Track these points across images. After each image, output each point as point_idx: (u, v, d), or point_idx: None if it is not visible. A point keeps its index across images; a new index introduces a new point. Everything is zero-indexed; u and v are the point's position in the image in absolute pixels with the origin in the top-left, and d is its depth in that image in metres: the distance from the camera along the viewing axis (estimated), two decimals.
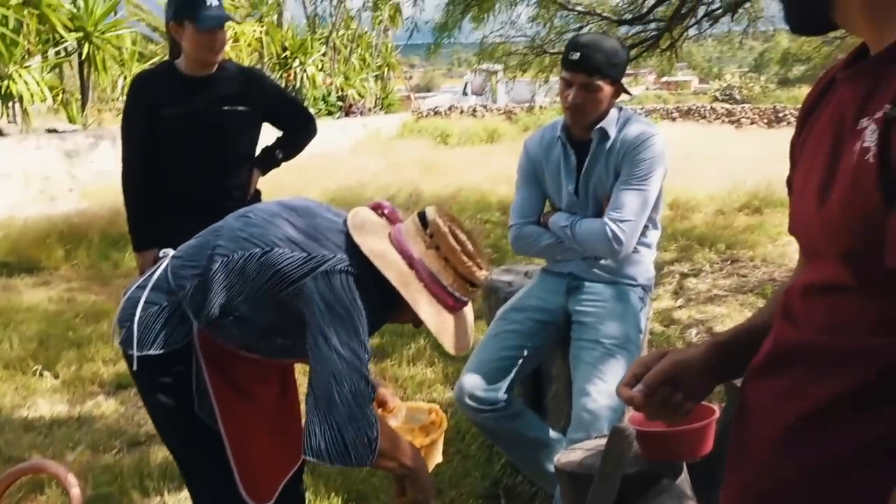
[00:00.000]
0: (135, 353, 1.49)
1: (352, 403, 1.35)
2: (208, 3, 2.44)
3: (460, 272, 1.42)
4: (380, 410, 1.78)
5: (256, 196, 2.80)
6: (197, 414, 1.52)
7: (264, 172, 2.81)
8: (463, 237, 1.44)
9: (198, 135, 2.54)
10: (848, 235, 0.71)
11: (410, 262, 1.41)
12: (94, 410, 3.25)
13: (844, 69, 0.78)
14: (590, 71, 2.03)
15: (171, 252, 1.60)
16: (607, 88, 2.06)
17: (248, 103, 2.61)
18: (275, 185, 6.99)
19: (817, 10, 0.76)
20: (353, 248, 1.42)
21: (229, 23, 2.60)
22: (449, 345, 1.44)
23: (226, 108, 2.57)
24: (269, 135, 2.82)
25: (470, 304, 1.55)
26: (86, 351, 3.89)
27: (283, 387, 1.73)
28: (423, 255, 1.41)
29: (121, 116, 2.73)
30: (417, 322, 1.48)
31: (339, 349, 1.35)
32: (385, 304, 1.46)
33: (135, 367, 1.51)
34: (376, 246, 1.43)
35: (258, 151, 2.79)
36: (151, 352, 1.49)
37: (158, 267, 1.58)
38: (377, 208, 1.57)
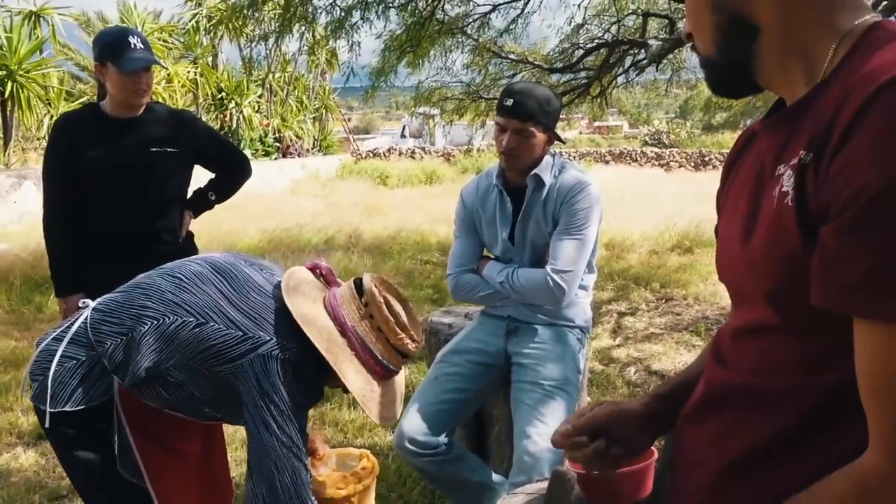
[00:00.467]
0: (48, 408, 1.41)
1: (292, 492, 1.36)
2: (133, 45, 2.40)
3: (392, 343, 1.44)
4: (310, 459, 1.75)
5: (189, 238, 2.73)
6: (119, 472, 1.46)
7: (196, 215, 2.74)
8: (397, 308, 1.46)
9: (124, 176, 2.48)
10: (771, 276, 0.73)
11: (343, 329, 1.42)
12: (11, 463, 3.05)
13: (762, 121, 0.82)
14: (523, 117, 2.07)
15: (90, 303, 1.53)
16: (540, 135, 2.10)
17: (177, 145, 2.55)
18: (211, 226, 6.88)
19: (741, 78, 0.81)
20: (289, 328, 1.41)
21: (157, 65, 2.55)
22: (374, 414, 1.44)
23: (154, 149, 2.51)
24: (202, 176, 2.77)
25: (402, 372, 1.56)
26: (3, 400, 3.67)
27: (207, 439, 1.68)
28: (357, 323, 1.43)
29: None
30: (345, 388, 1.48)
31: (278, 436, 1.35)
32: (320, 374, 1.46)
33: (47, 424, 1.42)
34: (308, 311, 1.42)
35: (190, 193, 2.72)
36: (67, 408, 1.42)
37: (76, 319, 1.50)
38: (314, 269, 1.57)
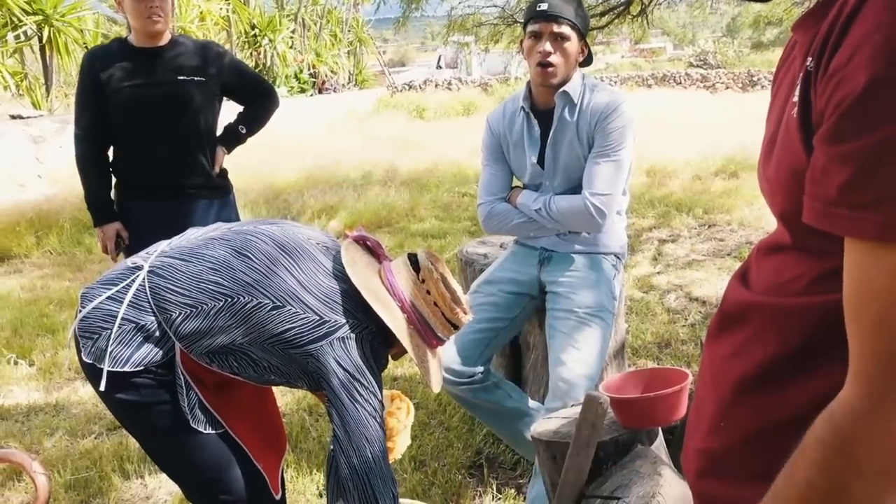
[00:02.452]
0: (105, 367, 1.43)
1: (381, 461, 1.44)
2: None
3: (448, 317, 1.51)
4: None
5: (223, 175, 2.75)
6: (187, 420, 1.50)
7: (229, 150, 2.76)
8: (453, 285, 1.52)
9: (153, 106, 2.51)
10: (783, 195, 0.70)
11: (402, 305, 1.49)
12: (70, 396, 3.22)
13: (796, 21, 0.77)
14: (559, 20, 2.01)
15: (140, 263, 1.52)
16: (575, 40, 2.06)
17: (204, 75, 2.57)
18: (249, 164, 6.92)
19: None
20: (359, 309, 1.48)
21: None
22: (435, 383, 1.54)
23: (181, 77, 2.54)
24: (231, 114, 2.77)
25: None
26: (61, 337, 3.85)
27: (259, 390, 1.73)
28: (415, 299, 1.49)
29: None
30: (397, 357, 1.61)
31: (367, 409, 1.44)
32: (387, 346, 1.55)
33: (103, 387, 1.44)
34: (376, 292, 1.49)
35: (220, 130, 2.74)
36: (127, 369, 1.44)
37: (132, 280, 1.49)
38: (361, 240, 1.60)
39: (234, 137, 2.76)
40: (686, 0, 8.26)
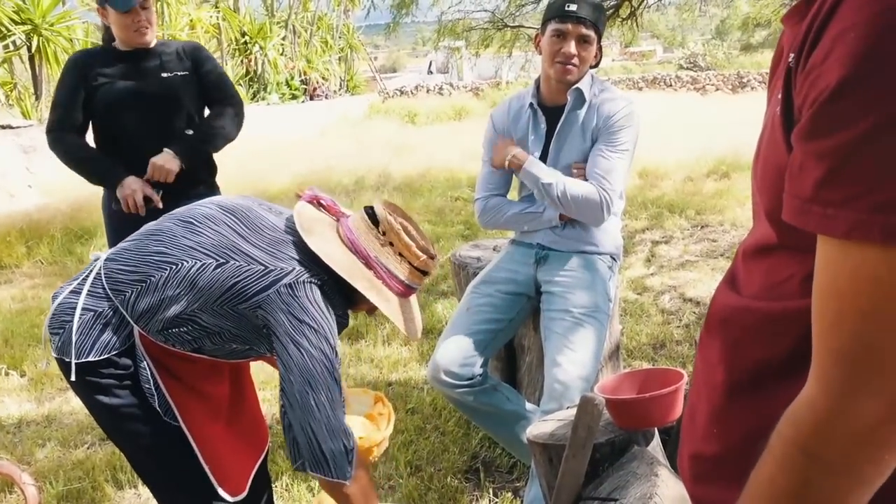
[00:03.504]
0: (73, 360, 1.42)
1: (329, 412, 1.36)
2: None
3: (416, 266, 1.47)
4: None
5: (211, 173, 2.75)
6: (156, 410, 1.48)
7: (182, 160, 2.57)
8: (414, 232, 1.48)
9: (138, 103, 2.54)
10: (769, 193, 0.69)
11: (367, 261, 1.45)
12: (62, 407, 3.19)
13: (784, 15, 0.76)
14: (587, 23, 2.04)
15: (101, 255, 1.53)
16: (596, 44, 2.09)
17: (187, 70, 2.62)
18: (240, 171, 6.91)
19: None
20: (308, 257, 1.43)
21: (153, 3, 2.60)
22: (413, 332, 1.50)
23: (164, 75, 2.57)
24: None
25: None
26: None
27: (235, 382, 1.69)
28: (379, 253, 1.45)
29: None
30: (371, 311, 1.55)
31: (312, 354, 1.36)
32: (345, 302, 1.50)
33: (73, 377, 1.43)
34: (332, 250, 1.44)
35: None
36: (91, 358, 1.43)
37: (90, 271, 1.51)
38: (314, 200, 1.56)
39: (184, 140, 2.59)
40: (675, 3, 8.30)
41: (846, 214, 0.56)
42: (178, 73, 2.58)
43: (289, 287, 1.38)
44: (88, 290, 1.46)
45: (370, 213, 1.49)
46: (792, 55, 0.64)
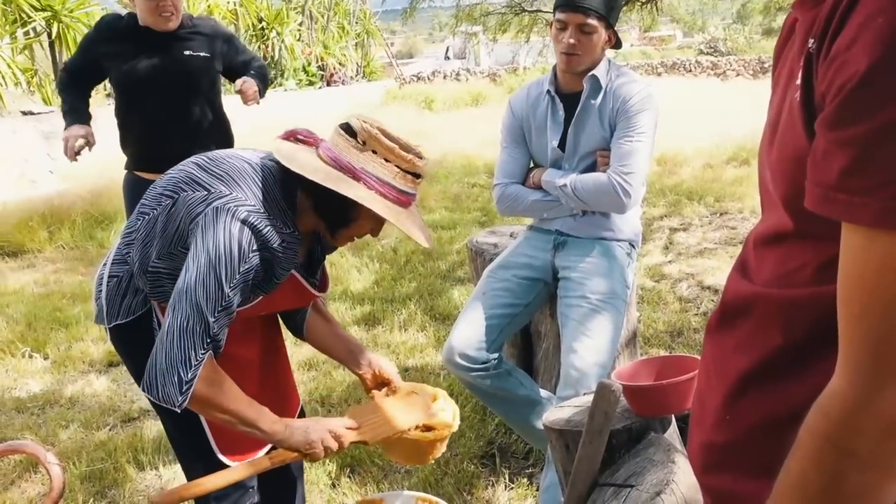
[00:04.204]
0: (105, 325, 1.53)
1: (175, 338, 1.29)
2: None
3: (404, 168, 1.41)
4: (384, 389, 1.73)
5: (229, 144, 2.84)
6: None
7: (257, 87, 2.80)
8: (394, 134, 1.42)
9: (163, 81, 2.60)
10: (785, 180, 0.68)
11: (354, 174, 1.39)
12: (85, 389, 3.24)
13: (795, 3, 0.75)
14: (586, 11, 2.01)
15: None
16: (602, 32, 2.05)
17: (206, 50, 2.68)
18: None
19: None
20: (258, 190, 1.38)
21: None
22: (423, 238, 1.44)
23: (187, 53, 2.64)
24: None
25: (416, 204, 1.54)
26: (74, 331, 3.88)
27: (266, 346, 1.71)
28: (363, 162, 1.39)
29: (97, 95, 2.76)
30: (376, 230, 1.50)
31: (191, 286, 1.30)
32: (331, 226, 1.47)
33: (108, 340, 1.57)
34: (317, 167, 1.39)
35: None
36: (119, 321, 1.52)
37: (117, 241, 1.59)
38: (291, 136, 1.50)
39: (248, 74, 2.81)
40: None
41: (874, 202, 0.55)
42: (201, 54, 2.64)
43: (215, 211, 1.33)
44: (113, 259, 1.55)
45: (346, 127, 1.44)
46: (812, 41, 0.63)
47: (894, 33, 0.54)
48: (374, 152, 1.39)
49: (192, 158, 1.50)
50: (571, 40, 2.03)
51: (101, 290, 1.55)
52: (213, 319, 1.31)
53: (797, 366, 0.70)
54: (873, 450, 0.58)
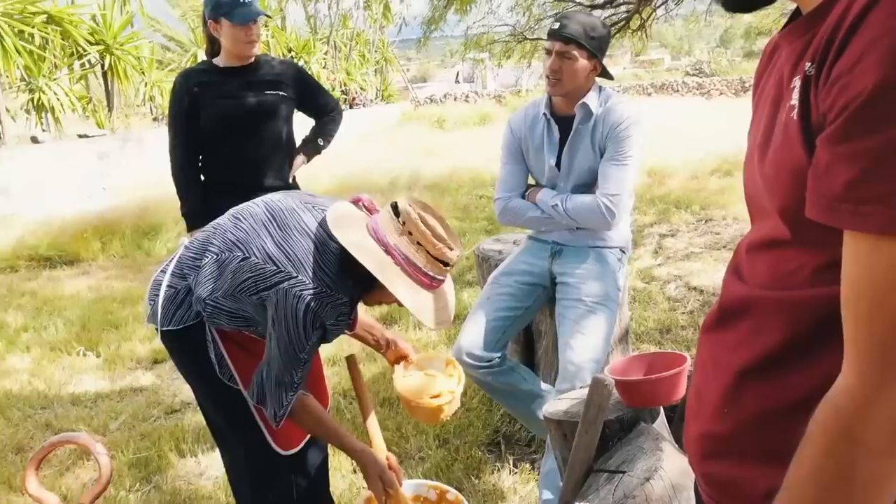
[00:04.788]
0: (158, 328, 1.58)
1: (276, 379, 1.46)
2: (242, 1, 2.40)
3: (432, 254, 1.42)
4: (402, 362, 1.85)
5: (294, 179, 2.75)
6: (220, 376, 1.58)
7: (309, 159, 2.75)
8: (432, 222, 1.44)
9: (244, 118, 2.50)
10: (781, 192, 0.67)
11: (387, 248, 1.42)
12: (133, 384, 3.26)
13: (781, 31, 0.74)
14: (566, 39, 1.99)
15: (185, 241, 1.65)
16: (583, 60, 2.02)
17: (285, 89, 2.57)
18: None
19: None
20: (317, 268, 1.44)
21: (264, 18, 2.53)
22: (428, 320, 1.44)
23: (268, 92, 2.53)
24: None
25: (451, 283, 1.56)
26: (124, 332, 3.90)
27: None
28: (398, 241, 1.42)
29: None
30: (388, 301, 1.52)
31: (276, 352, 1.44)
32: (364, 289, 1.51)
33: (159, 339, 1.62)
34: (354, 238, 1.43)
35: (298, 142, 2.73)
36: (171, 328, 1.56)
37: (177, 254, 1.62)
38: (357, 202, 1.57)
39: (313, 148, 2.75)
40: (682, 14, 8.14)
41: (882, 211, 0.54)
42: (280, 94, 2.54)
43: (284, 292, 1.41)
44: (172, 271, 1.59)
45: (394, 206, 1.47)
46: (809, 65, 0.63)
47: None
48: (410, 234, 1.42)
49: (262, 215, 1.52)
50: (553, 66, 2.02)
51: (156, 295, 1.59)
52: (296, 378, 1.47)
53: (796, 360, 0.69)
54: (884, 439, 0.57)
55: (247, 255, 1.46)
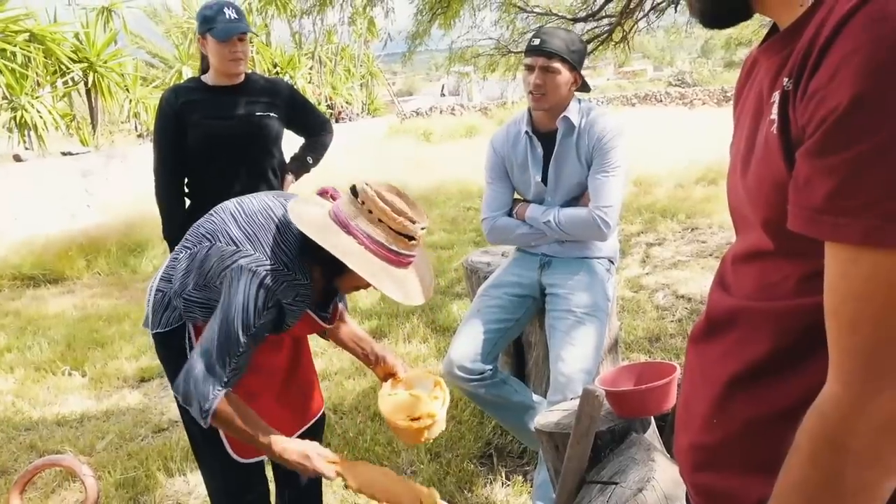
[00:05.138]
0: (149, 330, 1.62)
1: (202, 372, 1.38)
2: (227, 16, 2.38)
3: (394, 229, 1.39)
4: (391, 380, 1.78)
5: None
6: None
7: (297, 177, 2.72)
8: (391, 197, 1.41)
9: (231, 138, 2.45)
10: (764, 205, 0.68)
11: (347, 228, 1.40)
12: (119, 403, 3.22)
13: (759, 47, 0.75)
14: (548, 54, 2.01)
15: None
16: (566, 73, 2.04)
17: (274, 109, 2.53)
18: None
19: (735, 2, 0.74)
20: (276, 247, 1.43)
21: (251, 37, 2.48)
22: (396, 295, 1.40)
23: (258, 113, 2.49)
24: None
25: (427, 260, 1.53)
26: (109, 350, 3.85)
27: (294, 352, 1.74)
28: (359, 221, 1.39)
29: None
30: (362, 287, 1.49)
31: (213, 333, 1.39)
32: (333, 273, 1.48)
33: (152, 342, 1.64)
34: (312, 220, 1.42)
35: (287, 159, 2.69)
36: (159, 330, 1.59)
37: (167, 260, 1.65)
38: (324, 193, 1.57)
39: (302, 166, 2.71)
40: (663, 25, 8.23)
41: (861, 222, 0.55)
42: (269, 114, 2.50)
43: (239, 268, 1.40)
44: (160, 275, 1.62)
45: (352, 189, 1.45)
46: (787, 80, 0.64)
47: (874, 66, 0.54)
48: (370, 212, 1.40)
49: (232, 206, 1.53)
50: (538, 81, 2.02)
51: (149, 300, 1.62)
52: (227, 370, 1.39)
53: (786, 368, 0.69)
54: (869, 447, 0.57)
55: (212, 241, 1.48)
